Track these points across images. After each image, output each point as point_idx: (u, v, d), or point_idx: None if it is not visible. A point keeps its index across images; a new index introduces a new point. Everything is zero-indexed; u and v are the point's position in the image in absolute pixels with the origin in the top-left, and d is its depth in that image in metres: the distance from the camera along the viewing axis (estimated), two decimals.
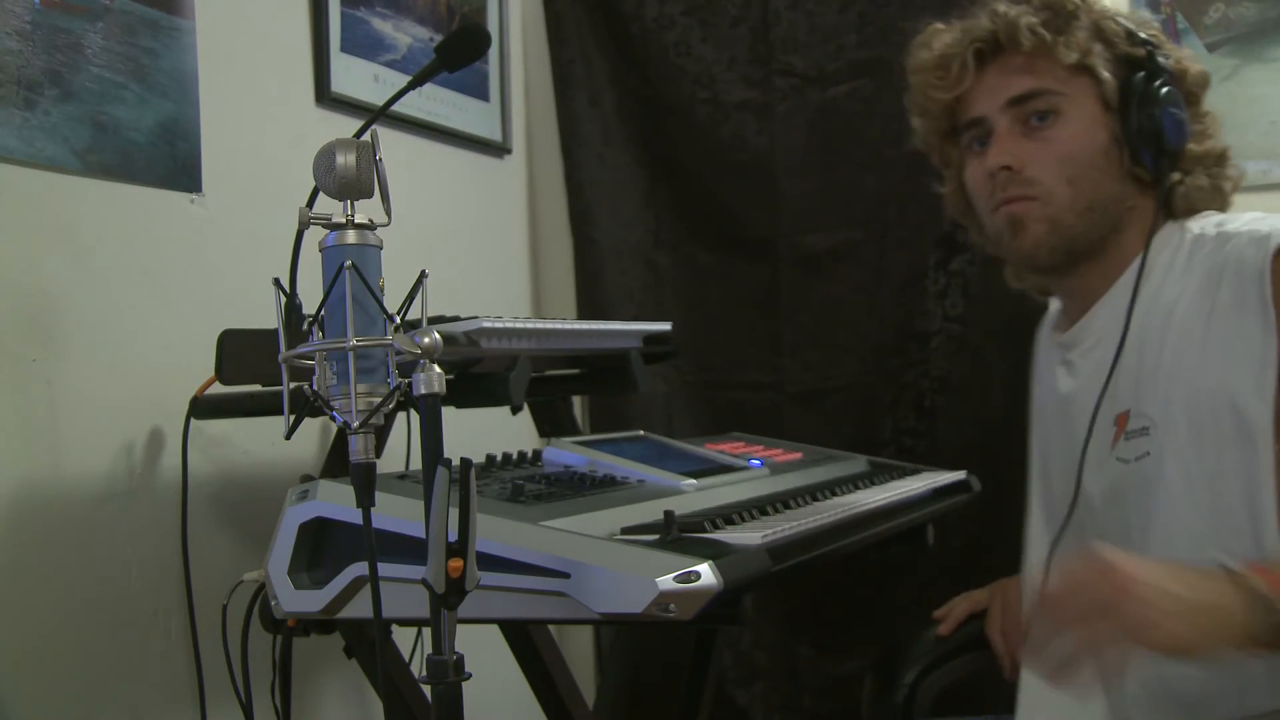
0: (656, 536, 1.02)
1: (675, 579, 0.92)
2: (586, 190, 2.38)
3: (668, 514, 1.06)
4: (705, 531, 1.07)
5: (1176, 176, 1.22)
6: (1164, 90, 1.19)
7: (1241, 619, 0.89)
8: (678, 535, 1.03)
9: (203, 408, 1.49)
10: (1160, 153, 1.19)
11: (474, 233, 2.26)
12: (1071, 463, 1.21)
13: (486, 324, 1.27)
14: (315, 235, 0.92)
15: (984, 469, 1.81)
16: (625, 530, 1.06)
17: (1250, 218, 1.16)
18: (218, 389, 1.42)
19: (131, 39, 1.51)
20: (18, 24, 1.37)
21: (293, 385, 0.94)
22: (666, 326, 1.64)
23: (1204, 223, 1.19)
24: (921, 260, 2.22)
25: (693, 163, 2.37)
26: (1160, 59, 1.20)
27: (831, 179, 2.28)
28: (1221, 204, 1.25)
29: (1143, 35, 1.22)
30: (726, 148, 2.33)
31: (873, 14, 2.24)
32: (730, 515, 1.15)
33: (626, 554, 0.97)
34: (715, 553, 0.97)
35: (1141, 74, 1.20)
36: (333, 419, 0.90)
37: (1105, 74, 1.20)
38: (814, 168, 2.28)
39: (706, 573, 0.92)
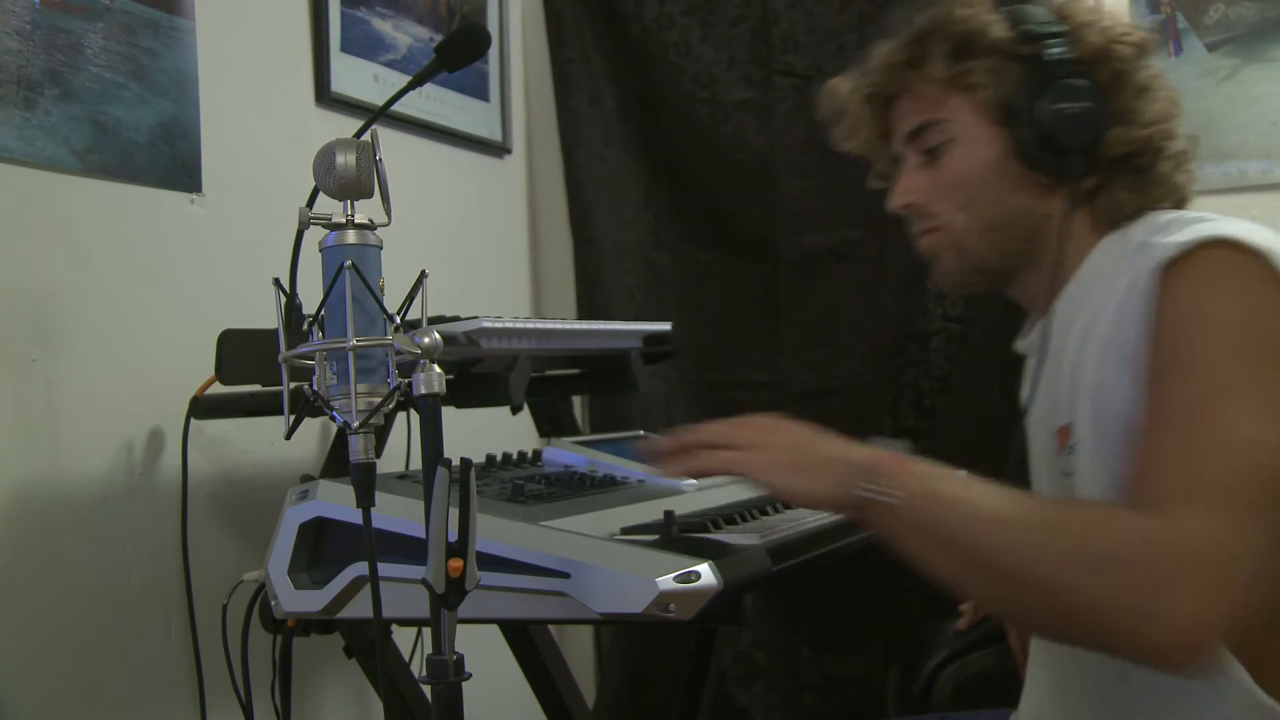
0: (656, 536, 1.02)
1: (675, 579, 0.92)
2: (586, 190, 2.38)
3: (668, 514, 1.06)
4: (705, 531, 1.07)
5: (1092, 180, 1.13)
6: (1053, 88, 1.10)
7: (844, 483, 0.97)
8: (678, 535, 1.03)
9: (203, 408, 1.49)
10: (1059, 156, 1.12)
11: (474, 233, 2.26)
12: (1035, 477, 1.22)
13: (486, 324, 1.27)
14: (315, 235, 0.92)
15: (984, 469, 1.81)
16: (625, 530, 1.06)
17: (1188, 219, 1.08)
18: (218, 389, 1.42)
19: (131, 39, 1.51)
20: (18, 24, 1.37)
21: (293, 385, 0.94)
22: (666, 326, 1.64)
23: (1148, 226, 1.11)
24: (922, 260, 2.22)
25: (693, 163, 2.37)
26: (1053, 52, 1.11)
27: (831, 179, 2.28)
28: (1170, 196, 1.15)
29: (1037, 29, 1.12)
30: (726, 148, 2.33)
31: (873, 14, 2.24)
32: (730, 515, 1.15)
33: (626, 554, 0.97)
34: (715, 553, 0.97)
35: (1030, 77, 1.12)
36: (333, 419, 0.90)
37: (984, 88, 1.13)
38: (814, 168, 2.28)
39: (706, 573, 0.92)
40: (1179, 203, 1.16)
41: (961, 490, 0.97)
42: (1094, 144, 1.11)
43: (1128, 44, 1.13)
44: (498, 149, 2.33)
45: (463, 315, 1.31)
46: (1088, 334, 1.08)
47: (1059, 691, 1.16)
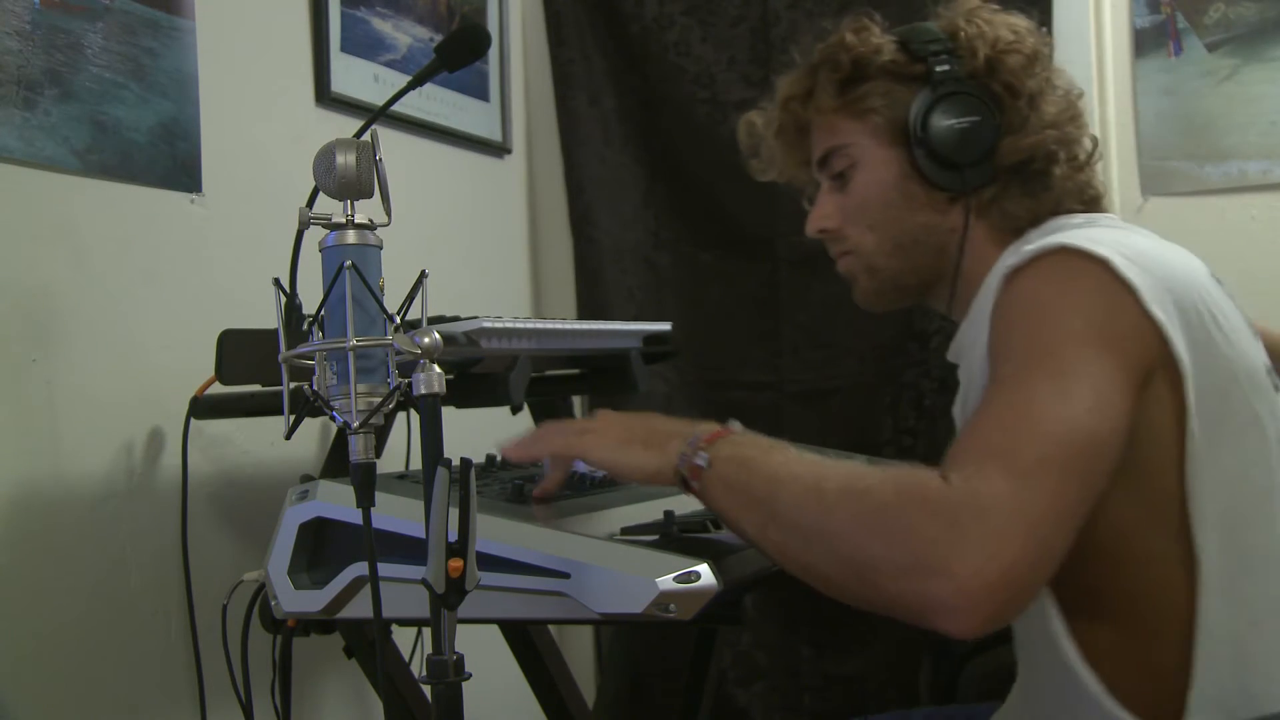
0: (656, 536, 1.02)
1: (675, 579, 0.92)
2: (586, 190, 2.38)
3: (668, 514, 1.06)
4: (705, 531, 1.07)
5: (990, 190, 1.14)
6: (941, 104, 1.13)
7: (672, 451, 0.99)
8: (678, 535, 1.03)
9: (203, 408, 1.49)
10: (953, 170, 1.14)
11: (474, 233, 2.26)
12: None
13: (486, 324, 1.27)
14: (315, 235, 0.92)
15: None
16: (625, 530, 1.06)
17: (1059, 228, 1.10)
18: (218, 389, 1.42)
19: (131, 39, 1.51)
20: (18, 24, 1.37)
21: (293, 385, 0.94)
22: (666, 326, 1.64)
23: (1040, 232, 1.12)
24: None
25: (693, 163, 2.37)
26: (940, 70, 1.13)
27: None
28: (1074, 199, 1.16)
29: (923, 48, 1.15)
30: (726, 148, 2.32)
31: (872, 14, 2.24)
32: None
33: (626, 554, 0.97)
34: (715, 553, 0.97)
35: (919, 95, 1.14)
36: (333, 419, 0.90)
37: (876, 112, 1.17)
38: None
39: (706, 573, 0.92)
40: (1089, 203, 1.17)
41: (769, 453, 0.98)
42: (987, 155, 1.13)
43: (1017, 53, 1.15)
44: (498, 149, 2.33)
45: (463, 315, 1.31)
46: (976, 341, 1.09)
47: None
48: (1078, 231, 1.06)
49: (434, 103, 2.11)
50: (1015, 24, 1.17)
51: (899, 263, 1.20)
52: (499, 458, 1.29)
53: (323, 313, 0.91)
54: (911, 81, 1.15)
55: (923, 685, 1.68)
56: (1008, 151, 1.13)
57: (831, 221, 1.23)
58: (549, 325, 1.40)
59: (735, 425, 1.02)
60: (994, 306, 1.02)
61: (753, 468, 0.96)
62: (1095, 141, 1.19)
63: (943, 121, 1.13)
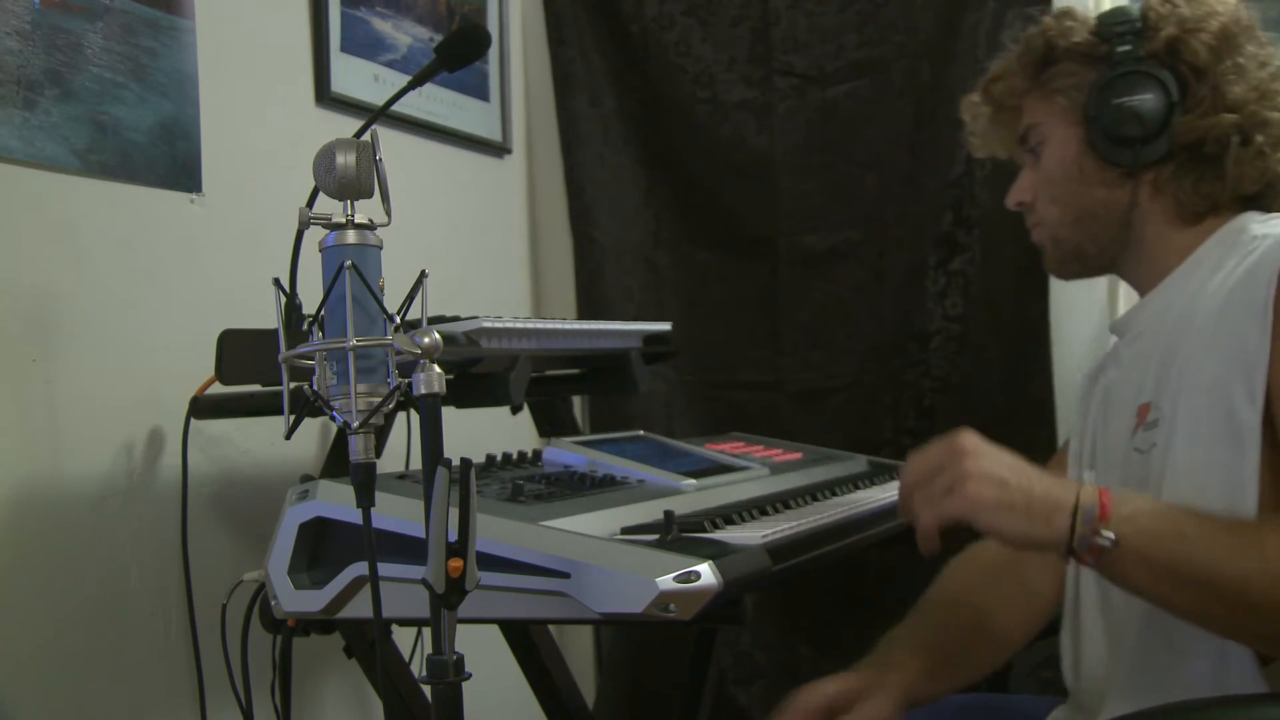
0: (656, 536, 1.02)
1: (675, 579, 0.92)
2: (586, 190, 2.38)
3: (668, 514, 1.06)
4: (705, 531, 1.07)
5: (1167, 168, 1.18)
6: (1115, 83, 1.17)
7: (1061, 525, 0.98)
8: (678, 535, 1.03)
9: (203, 408, 1.49)
10: (1127, 148, 1.18)
11: (474, 233, 2.26)
12: (1104, 449, 1.23)
13: (486, 324, 1.27)
14: (315, 235, 0.92)
15: None
16: (625, 530, 1.06)
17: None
18: (218, 389, 1.42)
19: (131, 39, 1.51)
20: (18, 24, 1.37)
21: (293, 385, 0.94)
22: (666, 326, 1.64)
23: (1262, 223, 1.15)
24: (921, 260, 2.22)
25: (693, 163, 2.37)
26: (1121, 50, 1.18)
27: (831, 179, 2.28)
28: (1257, 182, 1.18)
29: (1110, 29, 1.19)
30: (726, 148, 2.33)
31: (873, 14, 2.24)
32: (730, 515, 1.15)
33: (626, 554, 0.97)
34: (715, 553, 0.97)
35: (1100, 75, 1.19)
36: (333, 419, 0.89)
37: (1062, 92, 1.23)
38: (814, 168, 2.29)
39: (706, 573, 0.92)
40: (1269, 185, 1.19)
41: (1180, 523, 0.98)
42: (1159, 134, 1.17)
43: (1203, 32, 1.17)
44: (498, 149, 2.33)
45: (463, 315, 1.31)
46: (1186, 318, 1.12)
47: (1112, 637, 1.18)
48: None
49: (434, 103, 2.11)
50: (1212, 3, 1.19)
51: (1078, 235, 1.25)
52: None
53: (323, 313, 0.91)
54: (1096, 62, 1.21)
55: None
56: (1182, 131, 1.17)
57: (1025, 195, 1.29)
58: (549, 325, 1.40)
59: (1089, 476, 1.04)
60: (1276, 293, 1.03)
61: (1175, 540, 0.97)
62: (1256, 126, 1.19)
63: (1114, 99, 1.17)
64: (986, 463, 1.02)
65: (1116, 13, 1.22)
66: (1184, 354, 1.09)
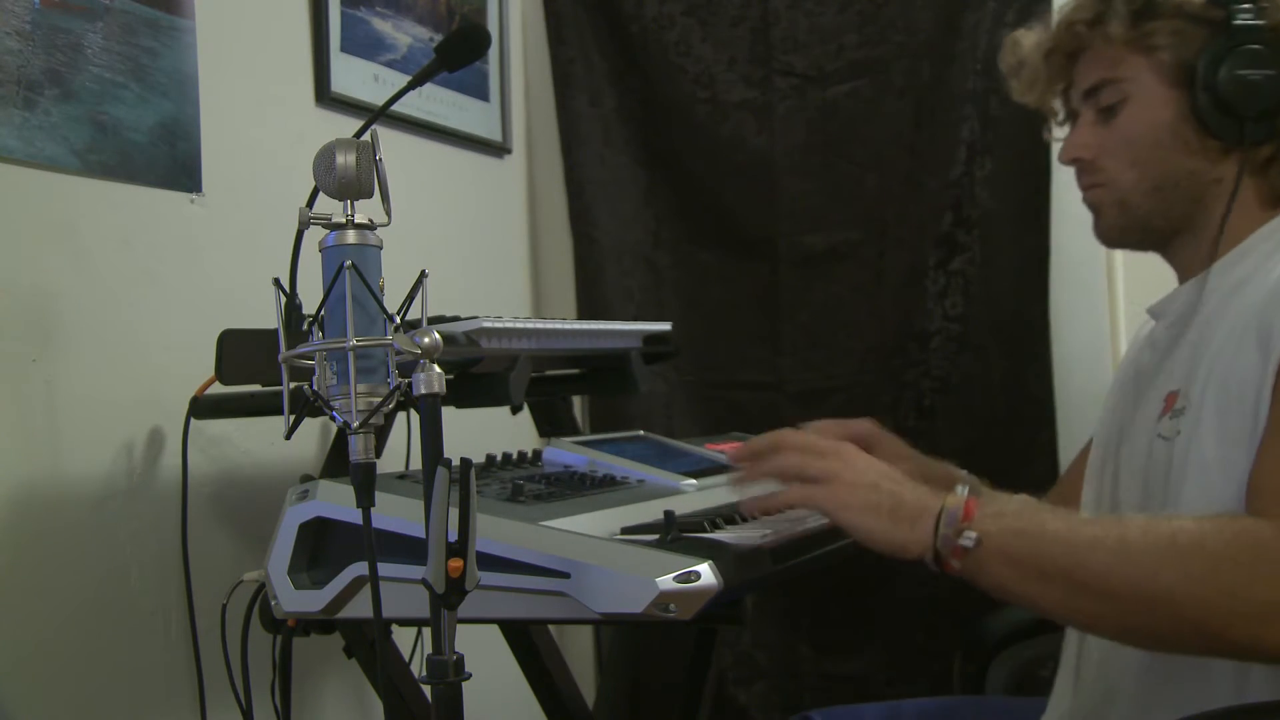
0: (656, 536, 1.02)
1: (675, 579, 0.92)
2: (586, 190, 2.38)
3: (668, 514, 1.06)
4: (705, 531, 1.07)
5: (1268, 149, 1.13)
6: (1235, 53, 1.10)
7: (925, 528, 0.97)
8: (678, 535, 1.02)
9: (203, 408, 1.49)
10: (1236, 122, 1.12)
11: (474, 233, 2.26)
12: (1129, 434, 1.22)
13: (486, 324, 1.27)
14: (315, 235, 0.92)
15: (984, 469, 1.81)
16: (625, 530, 1.06)
17: None
18: (218, 389, 1.42)
19: (131, 39, 1.51)
20: (18, 24, 1.37)
21: (293, 385, 0.94)
22: (666, 326, 1.64)
23: None
24: (921, 260, 2.22)
25: (693, 163, 2.37)
26: (1240, 19, 1.11)
27: (831, 179, 2.28)
28: None
29: None
30: (726, 148, 2.33)
31: (873, 14, 2.24)
32: (730, 515, 1.15)
33: (626, 554, 0.97)
34: (715, 553, 0.97)
35: (1213, 41, 1.12)
36: (333, 419, 0.89)
37: (1165, 50, 1.14)
38: (814, 168, 2.29)
39: (706, 573, 0.92)
40: None
41: (1041, 518, 0.98)
42: (1271, 113, 1.11)
43: None
44: (498, 149, 2.33)
45: (463, 315, 1.31)
46: (1223, 307, 1.09)
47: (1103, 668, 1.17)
48: None
49: (434, 103, 2.11)
50: None
51: (1154, 204, 1.18)
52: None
53: (323, 313, 0.91)
54: (1206, 25, 1.12)
55: (956, 677, 1.70)
56: None
57: (1089, 152, 1.20)
58: (549, 325, 1.40)
59: (962, 487, 1.01)
60: None
61: (1037, 538, 0.96)
62: None
63: (1232, 71, 1.10)
64: (861, 467, 1.02)
65: None
66: (1217, 345, 1.06)
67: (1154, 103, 1.16)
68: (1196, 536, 0.91)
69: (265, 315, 0.95)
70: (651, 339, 1.63)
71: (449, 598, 0.84)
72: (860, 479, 1.01)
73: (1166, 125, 1.15)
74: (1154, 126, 1.16)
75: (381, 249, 0.92)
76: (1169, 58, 1.14)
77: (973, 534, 0.95)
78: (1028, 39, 1.27)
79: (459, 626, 0.86)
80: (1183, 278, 1.22)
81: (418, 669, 1.32)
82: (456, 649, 0.85)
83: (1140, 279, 2.05)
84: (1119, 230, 1.22)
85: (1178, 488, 1.06)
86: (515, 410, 1.38)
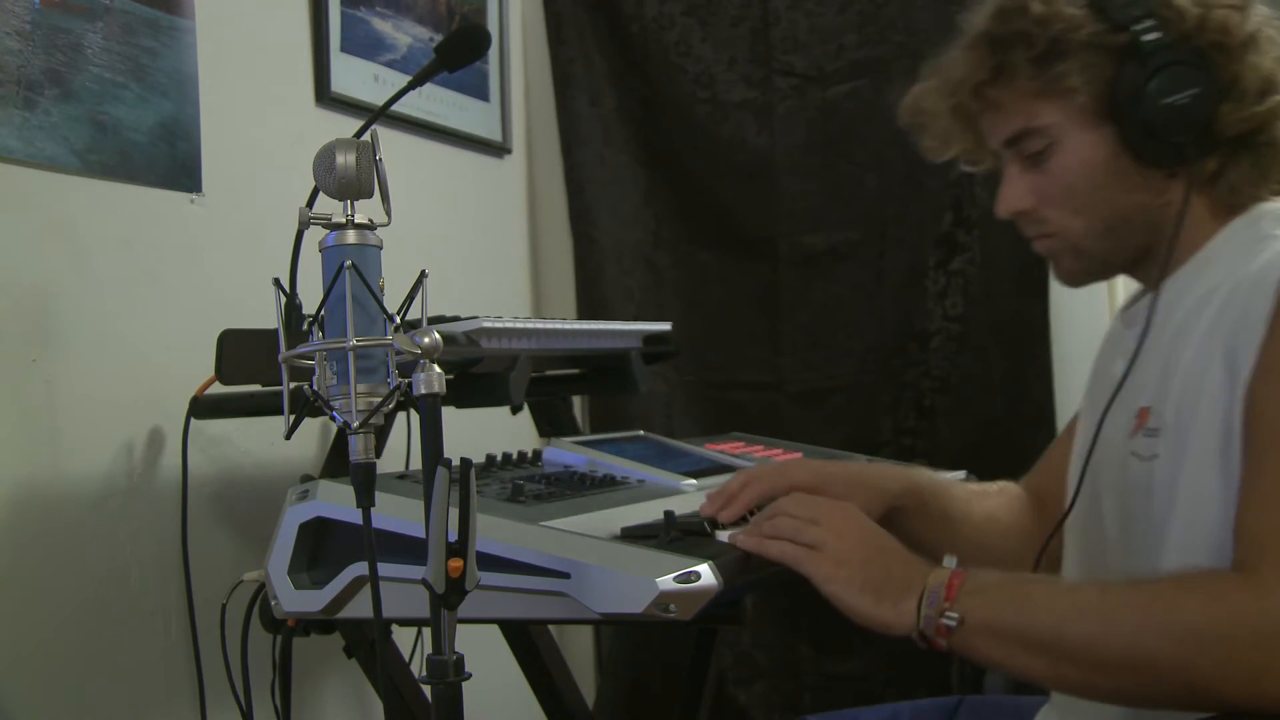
0: (657, 537, 1.02)
1: (675, 579, 0.92)
2: (586, 190, 2.38)
3: (668, 514, 1.06)
4: (705, 532, 1.07)
5: (1213, 161, 1.08)
6: (1154, 76, 1.03)
7: (908, 609, 0.97)
8: (678, 535, 1.03)
9: (203, 408, 1.49)
10: (1172, 146, 1.06)
11: (474, 233, 2.26)
12: (1101, 443, 1.19)
13: (486, 324, 1.27)
14: (315, 235, 0.92)
15: (984, 469, 1.81)
16: (625, 530, 1.06)
17: None
18: (218, 389, 1.42)
19: (131, 39, 1.51)
20: (18, 24, 1.37)
21: (293, 385, 0.94)
22: (666, 326, 1.64)
23: (1275, 218, 1.07)
24: (921, 260, 2.22)
25: (693, 163, 2.37)
26: (1147, 38, 1.04)
27: (831, 179, 2.28)
28: None
29: (1125, 13, 1.05)
30: (726, 148, 2.33)
31: (873, 14, 2.24)
32: None
33: (626, 554, 0.97)
34: (715, 553, 0.97)
35: (1126, 67, 1.05)
36: (333, 419, 0.89)
37: (1080, 90, 1.07)
38: (814, 168, 2.29)
39: (706, 573, 0.92)
40: None
41: (1024, 590, 0.98)
42: (1207, 127, 1.06)
43: (1225, 6, 1.06)
44: (498, 149, 2.33)
45: (463, 315, 1.31)
46: (1191, 320, 1.05)
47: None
48: None
49: (434, 103, 2.11)
50: None
51: (1110, 244, 1.13)
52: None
53: (323, 313, 0.91)
54: (1113, 53, 1.06)
55: (955, 675, 1.70)
56: (1229, 121, 1.05)
57: (1027, 203, 1.14)
58: (549, 325, 1.40)
59: (949, 559, 1.00)
60: (1275, 307, 0.96)
61: (1020, 610, 0.96)
62: None
63: (1159, 97, 1.04)
64: (851, 539, 1.02)
65: None
66: (1186, 360, 1.04)
67: (1082, 145, 1.09)
68: (1172, 601, 0.91)
69: (265, 315, 0.95)
70: (651, 339, 1.63)
71: (449, 598, 0.84)
72: (849, 555, 1.01)
73: (1102, 165, 1.09)
74: (1089, 169, 1.10)
75: (381, 249, 0.92)
76: (1086, 97, 1.07)
77: (955, 615, 0.96)
78: (927, 97, 1.20)
79: (459, 626, 0.86)
80: (1146, 287, 1.18)
81: (418, 669, 1.32)
82: (456, 649, 0.85)
83: None
84: (1081, 273, 1.18)
85: (1163, 515, 1.04)
86: (515, 410, 1.38)
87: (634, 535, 1.03)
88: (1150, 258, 1.14)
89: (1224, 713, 0.91)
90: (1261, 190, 1.09)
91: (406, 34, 2.04)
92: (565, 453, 1.40)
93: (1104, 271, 1.18)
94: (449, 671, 0.85)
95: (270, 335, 0.94)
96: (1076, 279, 1.19)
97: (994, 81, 1.12)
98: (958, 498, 1.32)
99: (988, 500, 1.35)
